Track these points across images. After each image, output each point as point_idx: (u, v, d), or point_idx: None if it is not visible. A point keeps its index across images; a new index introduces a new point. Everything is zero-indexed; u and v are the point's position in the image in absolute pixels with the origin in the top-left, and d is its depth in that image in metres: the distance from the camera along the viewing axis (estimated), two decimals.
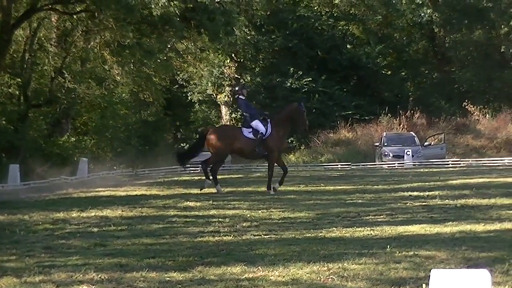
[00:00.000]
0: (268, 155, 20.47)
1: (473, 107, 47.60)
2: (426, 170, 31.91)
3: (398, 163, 36.72)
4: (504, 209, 13.85)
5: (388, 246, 9.45)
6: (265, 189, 20.00)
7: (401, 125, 45.55)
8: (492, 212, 13.45)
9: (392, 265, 8.31)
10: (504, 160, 38.54)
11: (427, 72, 56.89)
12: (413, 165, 36.44)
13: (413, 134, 41.50)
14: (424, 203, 15.47)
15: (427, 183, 21.58)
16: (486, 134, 46.25)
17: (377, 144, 40.33)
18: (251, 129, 20.10)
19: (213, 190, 19.52)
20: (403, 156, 37.32)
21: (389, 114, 45.92)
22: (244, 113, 20.91)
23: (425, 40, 55.90)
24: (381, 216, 13.31)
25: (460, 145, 45.45)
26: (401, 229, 11.33)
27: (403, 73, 54.49)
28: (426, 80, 56.30)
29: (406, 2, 52.69)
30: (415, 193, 17.84)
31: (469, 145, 45.85)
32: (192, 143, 21.22)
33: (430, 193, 17.74)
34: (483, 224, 11.64)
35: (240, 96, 20.66)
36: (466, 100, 48.07)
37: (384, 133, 41.92)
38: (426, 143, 40.85)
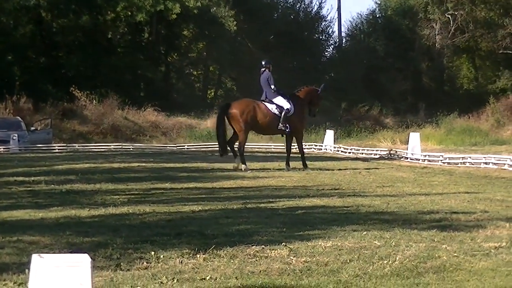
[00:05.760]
0: (295, 135, 20.82)
1: (80, 92, 47.89)
2: (32, 155, 31.58)
3: (3, 148, 35.96)
4: (109, 194, 14.18)
5: None
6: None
7: (7, 110, 44.54)
8: (97, 197, 13.72)
9: None
10: (110, 145, 39.46)
11: (34, 56, 56.30)
12: (19, 150, 35.95)
13: (19, 118, 40.83)
14: (29, 188, 15.37)
15: (33, 168, 21.42)
16: (92, 120, 46.94)
17: None
18: (275, 105, 20.02)
19: None
20: (9, 141, 36.65)
21: None
22: (266, 88, 20.45)
23: (32, 24, 55.18)
24: None
25: (67, 131, 45.65)
26: (5, 214, 11.17)
27: (9, 57, 53.40)
28: (34, 65, 55.67)
29: None
30: (20, 178, 17.60)
31: (76, 130, 46.25)
32: (217, 123, 20.46)
33: (36, 178, 17.63)
34: (88, 209, 11.79)
35: (266, 70, 20.46)
36: (73, 85, 48.18)
37: None
38: (32, 128, 40.40)
